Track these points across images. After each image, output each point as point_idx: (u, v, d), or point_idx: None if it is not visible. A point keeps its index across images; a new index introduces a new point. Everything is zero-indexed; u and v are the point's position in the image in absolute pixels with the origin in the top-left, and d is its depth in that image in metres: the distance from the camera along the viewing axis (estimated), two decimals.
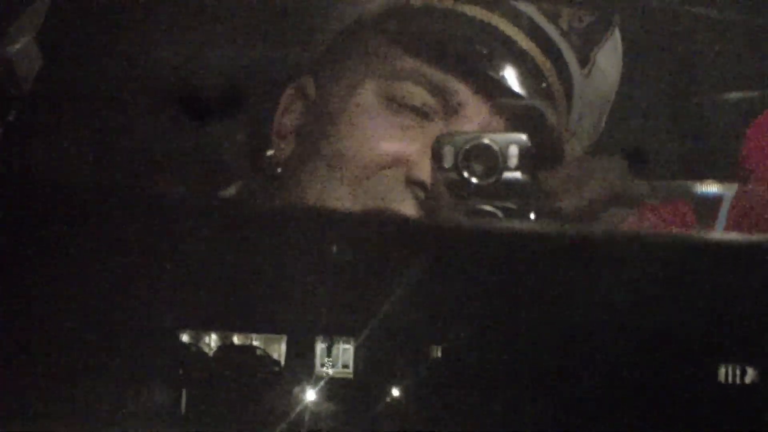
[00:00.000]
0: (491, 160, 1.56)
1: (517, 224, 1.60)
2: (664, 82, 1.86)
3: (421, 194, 1.59)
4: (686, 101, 1.88)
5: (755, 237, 1.72)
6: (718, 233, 1.68)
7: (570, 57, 1.67)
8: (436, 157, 1.57)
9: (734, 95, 1.87)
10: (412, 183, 1.60)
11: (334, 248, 1.50)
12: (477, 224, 1.61)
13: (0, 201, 1.50)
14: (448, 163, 1.57)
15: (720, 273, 1.51)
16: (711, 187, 1.67)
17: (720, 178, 1.69)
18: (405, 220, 1.64)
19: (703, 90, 1.88)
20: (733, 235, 1.70)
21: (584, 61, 1.69)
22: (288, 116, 1.72)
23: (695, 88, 1.88)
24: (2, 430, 1.44)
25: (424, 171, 1.59)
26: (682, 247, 1.57)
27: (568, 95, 1.68)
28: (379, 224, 1.60)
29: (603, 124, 1.77)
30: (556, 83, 1.66)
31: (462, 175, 1.56)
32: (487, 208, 1.55)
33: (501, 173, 1.55)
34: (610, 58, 1.73)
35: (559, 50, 1.66)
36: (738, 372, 1.55)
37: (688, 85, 1.87)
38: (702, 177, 1.70)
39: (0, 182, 1.58)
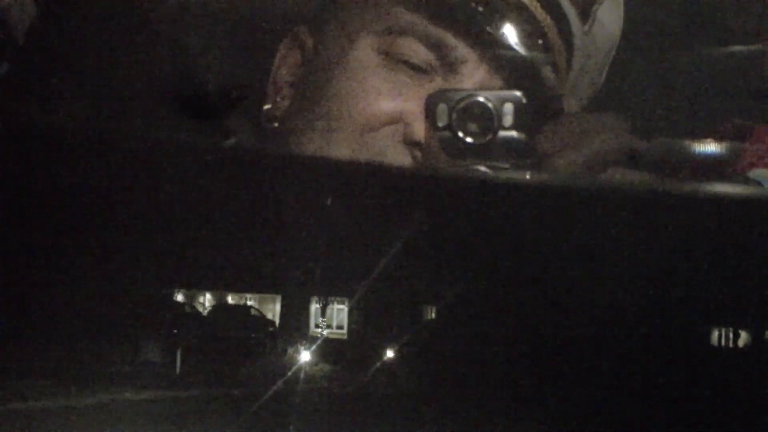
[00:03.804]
0: (486, 118, 1.53)
1: (513, 179, 1.59)
2: (664, 37, 1.83)
3: (418, 154, 1.58)
4: (687, 56, 1.85)
5: (753, 191, 1.70)
6: (714, 186, 1.65)
7: (571, 12, 1.64)
8: (430, 115, 1.54)
9: (737, 48, 1.84)
10: (409, 143, 1.58)
11: (329, 201, 1.49)
12: (472, 179, 1.59)
13: None
14: (442, 121, 1.54)
15: (717, 227, 1.50)
16: (710, 147, 1.65)
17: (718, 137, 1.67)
18: (401, 171, 1.62)
19: (705, 43, 1.85)
20: (730, 188, 1.67)
21: (585, 16, 1.65)
22: (284, 68, 1.70)
23: (697, 41, 1.85)
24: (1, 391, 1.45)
25: (420, 131, 1.57)
26: (676, 201, 1.56)
27: (569, 51, 1.65)
28: (374, 176, 1.59)
29: (602, 80, 1.75)
30: (556, 39, 1.63)
31: (456, 134, 1.53)
32: (482, 168, 1.53)
33: (496, 132, 1.53)
34: (611, 13, 1.69)
35: (559, 5, 1.63)
36: (731, 335, 1.55)
37: (689, 38, 1.85)
38: (701, 135, 1.67)
39: None
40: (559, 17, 1.60)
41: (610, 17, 1.67)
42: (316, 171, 1.57)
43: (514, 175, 1.55)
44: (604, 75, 1.72)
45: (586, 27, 1.64)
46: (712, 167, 1.62)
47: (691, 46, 1.81)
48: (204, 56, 1.72)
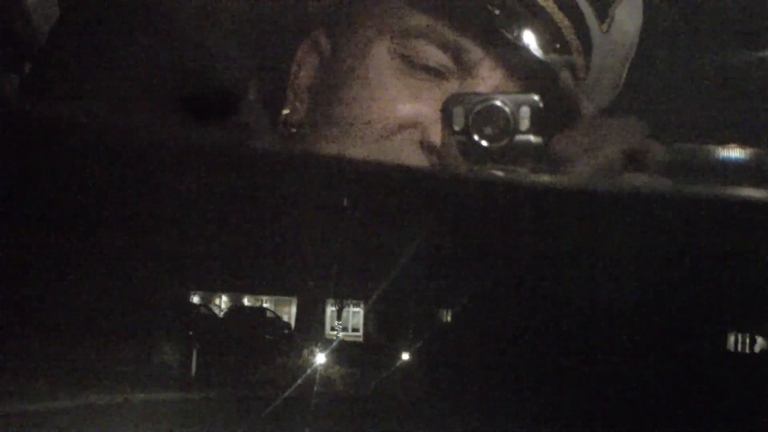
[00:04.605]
0: (502, 122, 1.52)
1: (529, 182, 1.58)
2: (686, 39, 1.82)
3: (435, 159, 1.57)
4: (711, 60, 1.84)
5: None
6: (730, 190, 1.63)
7: (588, 12, 1.62)
8: (446, 118, 1.54)
9: (765, 53, 1.82)
10: (425, 147, 1.58)
11: (345, 201, 1.49)
12: (488, 182, 1.58)
13: (17, 150, 1.50)
14: (458, 125, 1.53)
15: (733, 231, 1.49)
16: (733, 152, 1.63)
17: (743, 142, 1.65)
18: (417, 173, 1.61)
19: (729, 48, 1.83)
20: (747, 192, 1.65)
21: (603, 16, 1.64)
22: (302, 72, 1.70)
23: (721, 45, 1.83)
24: (13, 390, 1.46)
25: (437, 135, 1.56)
26: (693, 205, 1.54)
27: (587, 53, 1.64)
28: (390, 178, 1.59)
29: (622, 82, 1.74)
30: (574, 40, 1.62)
31: (472, 138, 1.53)
32: (498, 173, 1.53)
33: (512, 136, 1.52)
34: (629, 13, 1.68)
35: (576, 6, 1.62)
36: (747, 340, 1.53)
37: (713, 42, 1.83)
38: (724, 141, 1.65)
39: (18, 131, 1.58)
40: (577, 18, 1.60)
41: (628, 17, 1.66)
42: (333, 172, 1.57)
43: (531, 177, 1.55)
44: (623, 77, 1.71)
45: (605, 27, 1.63)
46: (741, 173, 1.60)
47: (714, 49, 1.80)
48: (224, 59, 1.73)
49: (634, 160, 1.55)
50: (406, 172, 1.58)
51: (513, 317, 1.53)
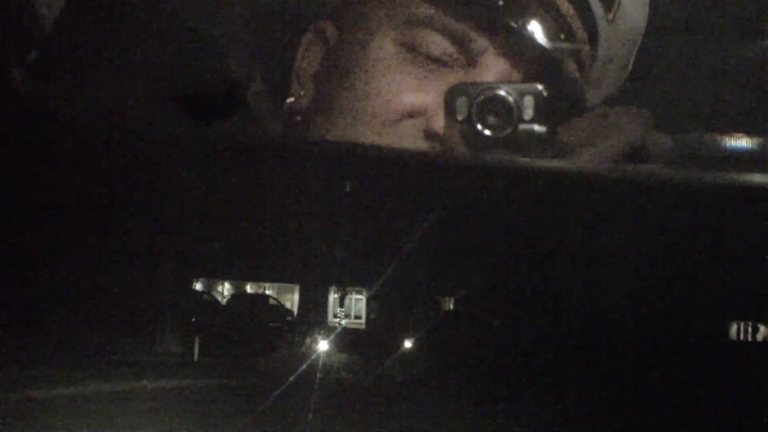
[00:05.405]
0: (506, 111, 1.52)
1: (535, 168, 1.57)
2: (692, 28, 1.82)
3: (438, 148, 1.57)
4: (717, 49, 1.83)
5: None
6: (735, 178, 1.61)
7: (594, 2, 1.63)
8: (450, 108, 1.54)
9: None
10: (429, 136, 1.58)
11: (348, 188, 1.49)
12: (494, 169, 1.58)
13: (23, 139, 1.50)
14: (461, 114, 1.53)
15: (739, 218, 1.48)
16: (739, 141, 1.62)
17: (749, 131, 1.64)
18: (420, 158, 1.61)
19: (736, 37, 1.83)
20: (753, 180, 1.63)
21: (609, 5, 1.64)
22: (307, 61, 1.70)
23: (727, 35, 1.83)
24: (18, 377, 1.47)
25: (441, 124, 1.56)
26: (698, 194, 1.53)
27: (592, 41, 1.63)
28: (394, 165, 1.58)
29: (628, 71, 1.73)
30: (580, 29, 1.62)
31: (475, 128, 1.53)
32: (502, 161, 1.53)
33: (516, 125, 1.52)
34: (636, 2, 1.69)
35: None
36: (749, 329, 1.53)
37: (719, 32, 1.83)
38: (730, 130, 1.65)
39: (25, 120, 1.58)
40: (583, 7, 1.59)
41: (634, 6, 1.65)
42: (335, 160, 1.57)
43: (534, 164, 1.54)
44: (629, 67, 1.71)
45: (611, 15, 1.62)
46: (747, 161, 1.60)
47: (721, 39, 1.80)
48: (228, 49, 1.73)
49: (639, 150, 1.55)
50: (409, 158, 1.57)
51: (515, 305, 1.53)
